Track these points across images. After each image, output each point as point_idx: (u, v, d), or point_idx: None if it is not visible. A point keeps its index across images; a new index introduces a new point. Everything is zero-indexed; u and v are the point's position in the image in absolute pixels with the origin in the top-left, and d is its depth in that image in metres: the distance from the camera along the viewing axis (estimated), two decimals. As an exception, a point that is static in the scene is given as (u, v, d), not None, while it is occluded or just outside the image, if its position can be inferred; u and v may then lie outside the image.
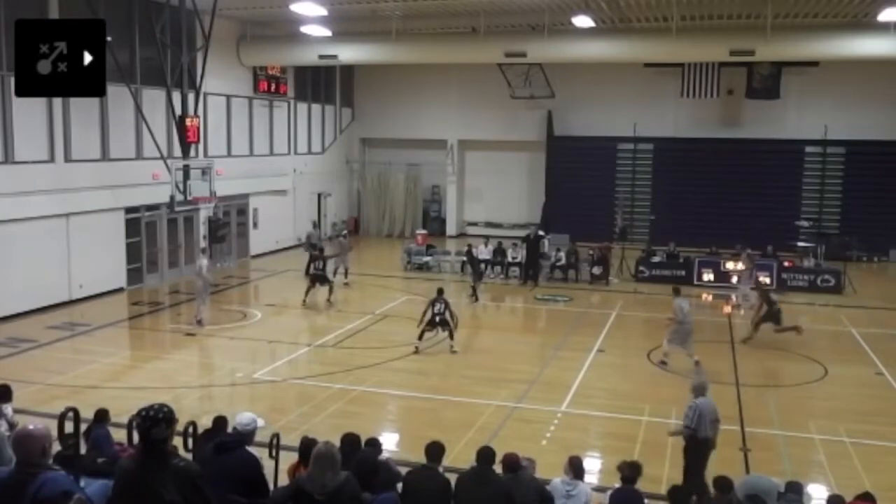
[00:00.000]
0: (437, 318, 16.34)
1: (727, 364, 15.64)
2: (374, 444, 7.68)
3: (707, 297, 22.80)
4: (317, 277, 20.67)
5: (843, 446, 11.50)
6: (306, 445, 6.63)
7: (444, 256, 26.31)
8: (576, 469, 7.47)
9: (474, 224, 33.24)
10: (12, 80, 16.76)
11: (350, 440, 7.28)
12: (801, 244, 26.39)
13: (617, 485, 7.38)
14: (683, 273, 23.51)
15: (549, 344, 17.65)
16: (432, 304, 16.59)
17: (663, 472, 8.85)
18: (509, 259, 24.79)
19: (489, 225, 32.39)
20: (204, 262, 18.35)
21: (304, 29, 24.70)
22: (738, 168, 29.03)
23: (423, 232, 28.60)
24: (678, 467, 9.25)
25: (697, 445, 9.20)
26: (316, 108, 31.52)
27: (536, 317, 21.26)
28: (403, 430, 12.20)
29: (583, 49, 23.62)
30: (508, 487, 6.64)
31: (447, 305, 16.53)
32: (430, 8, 22.41)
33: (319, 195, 31.62)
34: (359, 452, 7.07)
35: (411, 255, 25.99)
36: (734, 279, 22.68)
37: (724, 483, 7.18)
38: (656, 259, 24.61)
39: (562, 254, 24.71)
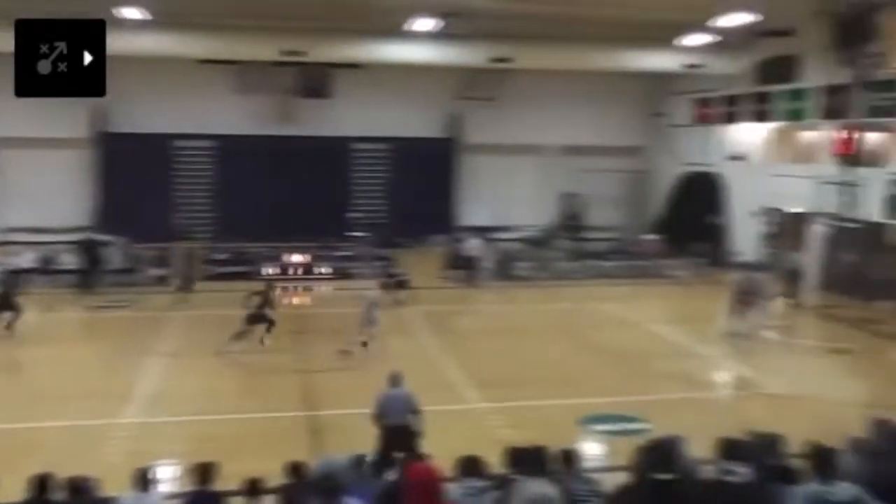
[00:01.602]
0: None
1: (294, 353, 16.18)
2: None
3: (275, 291, 23.32)
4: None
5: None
6: None
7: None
8: (143, 480, 7.19)
9: (16, 230, 29.83)
10: None
11: None
12: (355, 234, 28.30)
13: (192, 488, 7.26)
14: (249, 268, 23.77)
15: (116, 353, 16.66)
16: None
17: (244, 467, 8.87)
18: (61, 266, 22.83)
19: (35, 231, 29.31)
20: None
21: None
22: (297, 164, 30.01)
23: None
24: (263, 460, 9.37)
25: (386, 433, 9.79)
26: None
27: (98, 326, 19.89)
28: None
29: (132, 43, 22.54)
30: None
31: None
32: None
33: None
34: None
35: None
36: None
37: (296, 468, 7.46)
38: (221, 256, 24.55)
39: (121, 257, 23.46)
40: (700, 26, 23.47)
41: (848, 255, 23.64)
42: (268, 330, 16.62)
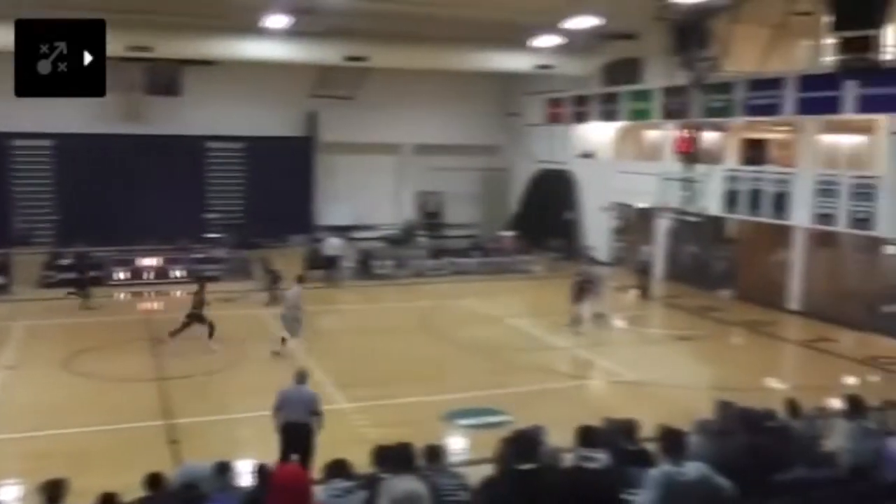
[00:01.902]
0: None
1: (149, 361, 15.59)
2: None
3: (125, 295, 22.39)
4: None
5: (266, 420, 12.37)
6: None
7: None
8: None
9: None
10: None
11: None
12: (211, 235, 27.50)
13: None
14: (97, 274, 22.65)
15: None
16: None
17: (98, 483, 8.47)
18: None
19: None
20: None
21: None
22: (146, 164, 28.82)
23: None
24: (119, 474, 8.99)
25: (283, 429, 9.80)
26: None
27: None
28: None
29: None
30: None
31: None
32: None
33: None
34: None
35: None
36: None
37: (154, 479, 7.19)
38: (65, 262, 23.22)
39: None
40: (550, 28, 24.20)
41: (691, 247, 25.10)
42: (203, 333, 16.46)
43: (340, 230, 27.42)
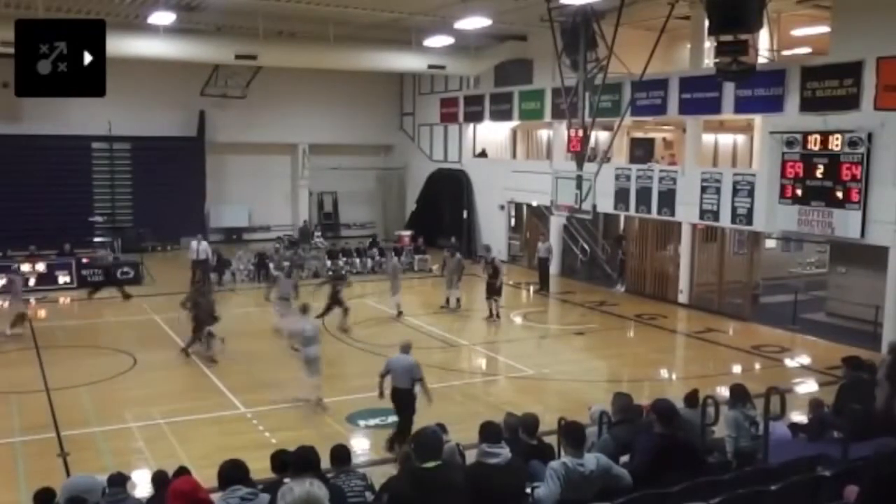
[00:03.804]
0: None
1: (35, 370, 14.92)
2: None
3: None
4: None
5: (158, 428, 12.04)
6: None
7: None
8: None
9: None
10: None
11: None
12: (97, 239, 26.48)
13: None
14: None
15: None
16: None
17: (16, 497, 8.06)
18: None
19: None
20: None
21: None
22: (25, 165, 27.52)
23: None
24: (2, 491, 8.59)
25: (394, 394, 11.01)
26: None
27: None
28: None
29: None
30: None
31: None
32: None
33: None
34: None
35: None
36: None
37: (45, 495, 6.88)
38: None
39: None
40: (441, 28, 24.32)
41: (584, 244, 25.71)
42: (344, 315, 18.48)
43: (235, 231, 26.82)
